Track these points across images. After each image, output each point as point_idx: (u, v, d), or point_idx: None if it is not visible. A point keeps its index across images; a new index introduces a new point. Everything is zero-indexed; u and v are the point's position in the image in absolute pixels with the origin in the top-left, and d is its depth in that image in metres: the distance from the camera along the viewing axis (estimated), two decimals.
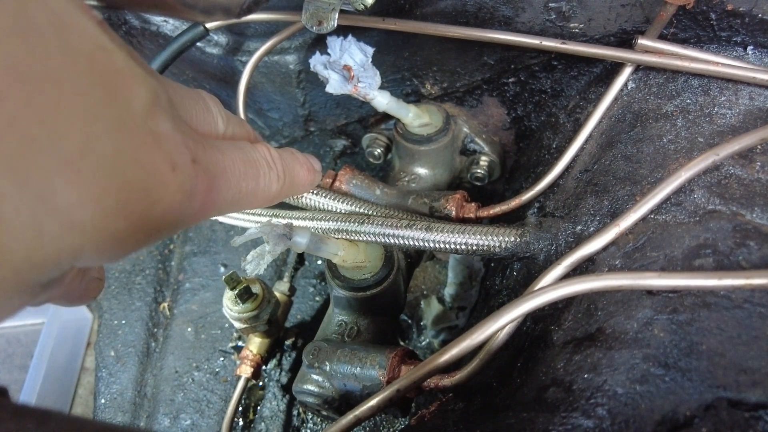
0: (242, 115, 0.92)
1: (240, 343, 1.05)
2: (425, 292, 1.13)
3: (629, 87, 0.76)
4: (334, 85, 0.74)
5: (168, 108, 0.35)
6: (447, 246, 0.68)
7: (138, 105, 0.32)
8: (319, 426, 0.99)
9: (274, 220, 0.81)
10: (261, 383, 1.03)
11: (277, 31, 0.88)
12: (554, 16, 0.80)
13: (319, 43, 0.92)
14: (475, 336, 0.55)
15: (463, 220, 0.79)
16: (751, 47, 0.73)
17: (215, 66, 0.99)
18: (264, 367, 0.97)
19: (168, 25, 0.95)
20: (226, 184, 0.41)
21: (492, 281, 0.85)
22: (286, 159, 0.49)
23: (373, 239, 0.71)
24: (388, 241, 0.71)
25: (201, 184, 0.37)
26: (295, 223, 0.76)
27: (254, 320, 0.82)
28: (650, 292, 0.53)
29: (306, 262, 1.13)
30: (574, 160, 0.75)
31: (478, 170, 0.97)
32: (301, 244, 0.65)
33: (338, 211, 0.79)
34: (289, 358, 1.05)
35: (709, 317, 0.49)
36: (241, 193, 0.43)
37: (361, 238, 0.72)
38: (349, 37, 0.74)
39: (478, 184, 0.99)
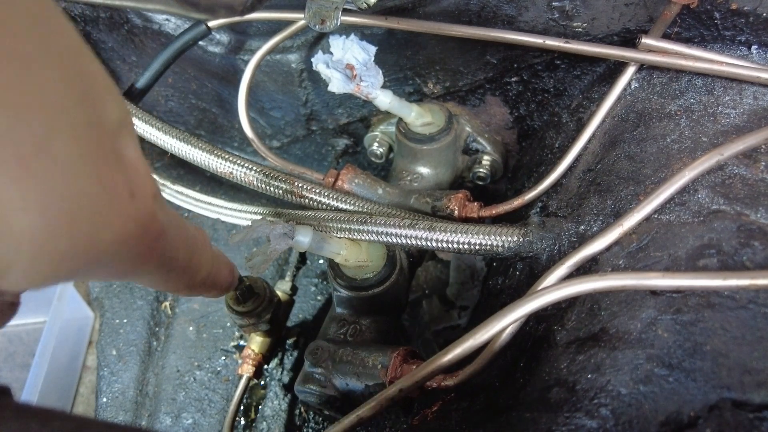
0: (244, 115, 0.92)
1: (242, 342, 1.05)
2: (427, 292, 1.13)
3: (632, 86, 0.76)
4: (337, 84, 0.74)
5: (135, 136, 0.33)
6: (450, 245, 0.68)
7: (109, 120, 0.29)
8: (321, 425, 0.99)
9: (275, 219, 0.81)
10: (263, 382, 1.03)
11: (279, 30, 0.88)
12: (557, 15, 0.80)
13: (321, 42, 0.92)
14: (478, 336, 0.55)
15: (465, 220, 0.79)
16: (756, 46, 0.73)
17: (217, 65, 0.99)
18: (266, 367, 0.97)
19: (170, 23, 0.95)
20: (172, 242, 0.38)
21: (494, 281, 0.85)
22: (214, 251, 0.49)
23: (376, 238, 0.71)
24: (390, 240, 0.71)
25: (156, 223, 0.34)
26: (298, 222, 0.75)
27: (256, 319, 0.82)
28: (654, 293, 0.53)
29: (308, 261, 1.13)
30: (577, 159, 0.75)
31: (481, 170, 0.97)
32: (303, 243, 0.65)
33: (341, 210, 0.79)
34: (290, 358, 1.05)
35: (713, 317, 0.49)
36: (180, 260, 0.41)
37: (363, 237, 0.72)
38: (352, 35, 0.74)
39: (480, 183, 0.99)
